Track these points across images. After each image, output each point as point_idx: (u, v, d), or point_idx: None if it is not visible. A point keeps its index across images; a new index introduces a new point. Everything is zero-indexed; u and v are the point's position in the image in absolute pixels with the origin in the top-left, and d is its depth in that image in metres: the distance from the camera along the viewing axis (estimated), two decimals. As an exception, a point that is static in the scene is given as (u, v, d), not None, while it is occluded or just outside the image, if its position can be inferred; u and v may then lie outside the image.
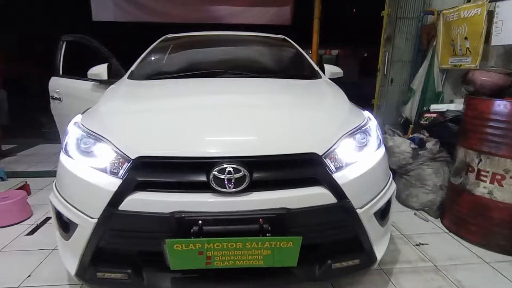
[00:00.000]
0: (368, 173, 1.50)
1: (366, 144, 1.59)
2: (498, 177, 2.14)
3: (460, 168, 2.38)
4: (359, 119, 1.68)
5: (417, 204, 2.83)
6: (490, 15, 2.73)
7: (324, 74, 2.58)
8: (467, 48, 3.00)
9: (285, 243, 1.29)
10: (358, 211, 1.44)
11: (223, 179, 1.30)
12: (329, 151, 1.44)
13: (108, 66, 2.59)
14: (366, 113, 1.79)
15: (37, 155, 4.72)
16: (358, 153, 1.54)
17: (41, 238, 2.34)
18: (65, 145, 1.56)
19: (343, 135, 1.52)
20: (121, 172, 1.36)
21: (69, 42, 3.44)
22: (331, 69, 2.66)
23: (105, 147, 1.43)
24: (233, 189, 1.31)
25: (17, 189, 2.96)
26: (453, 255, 2.17)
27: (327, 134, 1.50)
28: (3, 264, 2.05)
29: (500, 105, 2.12)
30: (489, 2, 2.70)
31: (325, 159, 1.42)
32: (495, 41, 2.68)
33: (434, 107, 3.16)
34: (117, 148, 1.40)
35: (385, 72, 3.89)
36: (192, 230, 1.28)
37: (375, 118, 1.80)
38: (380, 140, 1.69)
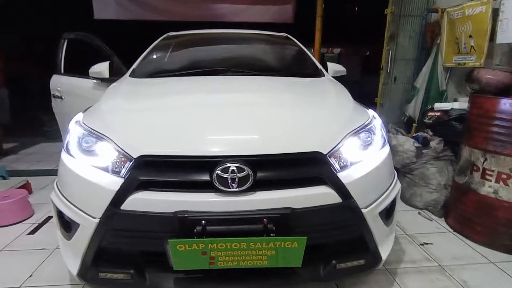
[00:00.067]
0: (373, 172, 1.48)
1: (370, 143, 1.57)
2: (504, 176, 2.12)
3: (465, 167, 2.36)
4: (363, 117, 1.66)
5: (421, 203, 2.81)
6: (495, 13, 2.70)
7: (327, 72, 2.56)
8: (471, 46, 2.98)
9: (290, 243, 1.28)
10: (363, 210, 1.42)
11: (227, 178, 1.28)
12: (333, 150, 1.42)
13: (109, 64, 2.57)
14: (371, 112, 1.77)
15: (38, 153, 4.71)
16: (363, 152, 1.52)
17: (43, 238, 2.33)
18: (67, 143, 1.54)
19: (348, 133, 1.50)
20: (123, 171, 1.34)
21: (71, 40, 3.43)
22: (334, 67, 2.65)
23: (106, 145, 1.41)
24: (237, 189, 1.29)
25: (18, 188, 2.95)
26: (458, 255, 2.15)
27: (331, 133, 1.48)
28: (4, 264, 2.04)
29: (506, 104, 2.09)
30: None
31: (330, 158, 1.40)
32: (500, 39, 2.66)
33: (438, 105, 3.13)
34: (119, 146, 1.38)
35: (388, 71, 3.87)
36: (195, 230, 1.26)
37: (379, 116, 1.78)
38: (385, 139, 1.67)
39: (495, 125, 2.14)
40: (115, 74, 2.55)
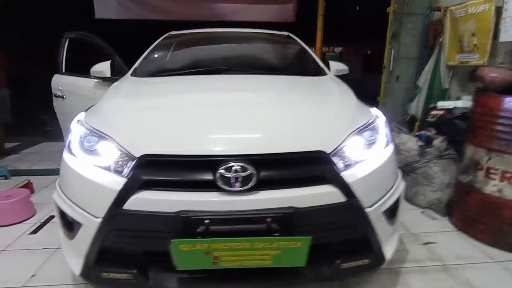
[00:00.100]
0: (377, 171, 1.47)
1: (374, 142, 1.55)
2: (508, 175, 2.11)
3: (469, 165, 2.34)
4: (367, 116, 1.64)
5: (424, 202, 2.79)
6: (498, 11, 2.69)
7: (330, 71, 2.54)
8: (474, 44, 2.96)
9: (294, 243, 1.27)
10: (367, 210, 1.41)
11: (230, 177, 1.27)
12: (337, 149, 1.41)
13: (111, 63, 2.57)
14: (374, 111, 1.76)
15: (40, 153, 4.71)
16: (367, 151, 1.51)
17: (45, 237, 2.33)
18: (68, 143, 1.54)
19: (351, 132, 1.48)
20: (126, 170, 1.33)
21: (72, 39, 3.42)
22: (336, 66, 2.63)
23: (109, 145, 1.40)
24: (240, 188, 1.28)
25: (20, 187, 2.95)
26: (462, 254, 2.14)
27: (335, 132, 1.47)
28: (6, 263, 2.03)
29: (511, 102, 2.08)
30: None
31: (333, 157, 1.39)
32: (503, 37, 2.65)
33: (441, 104, 3.12)
34: (121, 146, 1.37)
35: (390, 69, 3.86)
36: (198, 229, 1.25)
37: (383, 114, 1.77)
38: (389, 137, 1.65)
39: (500, 124, 2.12)
40: (117, 74, 2.55)
